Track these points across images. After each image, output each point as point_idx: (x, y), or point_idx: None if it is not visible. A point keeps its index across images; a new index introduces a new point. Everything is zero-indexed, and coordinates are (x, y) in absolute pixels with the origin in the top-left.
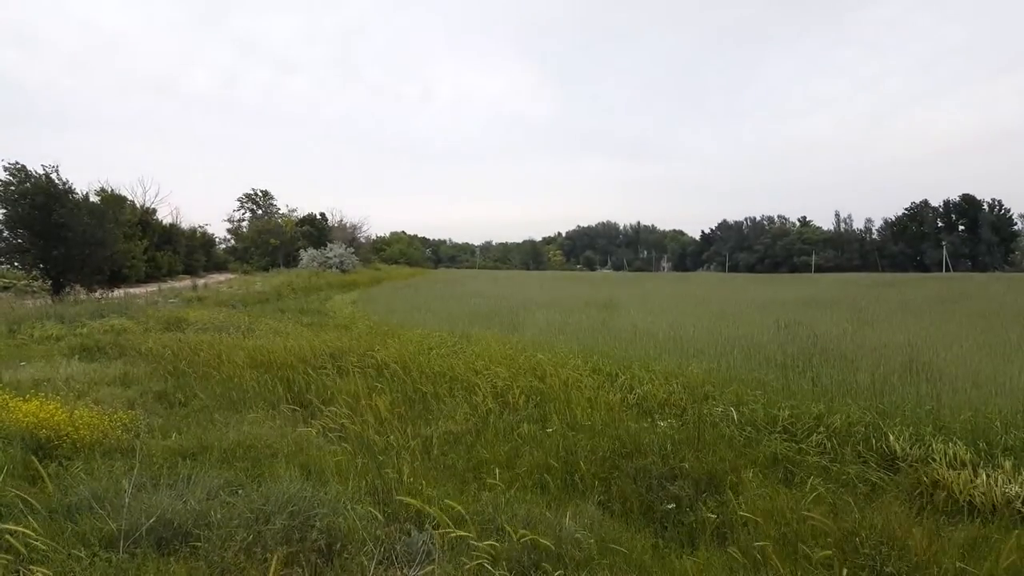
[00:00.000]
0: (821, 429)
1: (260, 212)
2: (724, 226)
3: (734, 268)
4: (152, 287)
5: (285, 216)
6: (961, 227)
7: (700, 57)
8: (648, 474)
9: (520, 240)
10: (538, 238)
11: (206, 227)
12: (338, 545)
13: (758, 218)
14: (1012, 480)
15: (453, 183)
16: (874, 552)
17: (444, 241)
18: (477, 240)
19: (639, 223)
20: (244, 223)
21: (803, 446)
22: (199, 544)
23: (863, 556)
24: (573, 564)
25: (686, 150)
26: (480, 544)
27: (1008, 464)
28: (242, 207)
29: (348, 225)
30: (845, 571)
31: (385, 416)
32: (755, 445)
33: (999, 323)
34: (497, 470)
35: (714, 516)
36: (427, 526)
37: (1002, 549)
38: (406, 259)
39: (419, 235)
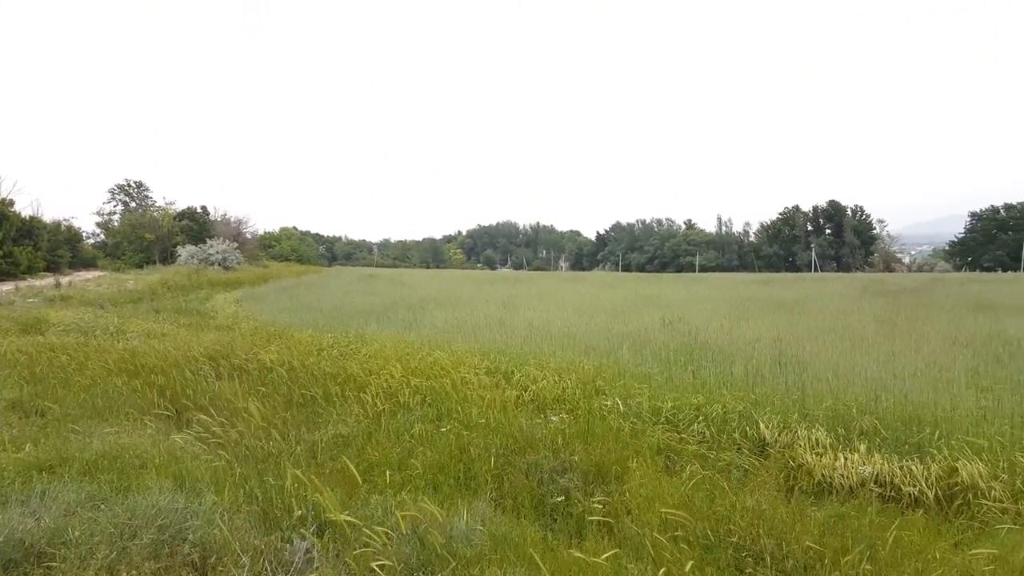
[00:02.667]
0: (700, 419)
1: (134, 205)
2: (617, 227)
3: (627, 267)
4: (8, 285)
5: (162, 209)
6: (828, 231)
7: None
8: (540, 469)
9: (420, 238)
10: (438, 236)
11: (72, 220)
12: (213, 558)
13: (648, 220)
14: (866, 462)
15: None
16: (745, 533)
17: (339, 238)
18: (375, 237)
19: (538, 223)
20: (115, 216)
21: (684, 435)
22: (54, 564)
23: (736, 537)
24: (463, 561)
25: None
26: (367, 546)
27: (863, 447)
28: (113, 199)
29: (232, 220)
30: (718, 551)
31: (268, 421)
32: (641, 436)
33: (857, 320)
34: (388, 472)
35: (600, 506)
36: (311, 533)
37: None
38: (297, 256)
39: (311, 231)
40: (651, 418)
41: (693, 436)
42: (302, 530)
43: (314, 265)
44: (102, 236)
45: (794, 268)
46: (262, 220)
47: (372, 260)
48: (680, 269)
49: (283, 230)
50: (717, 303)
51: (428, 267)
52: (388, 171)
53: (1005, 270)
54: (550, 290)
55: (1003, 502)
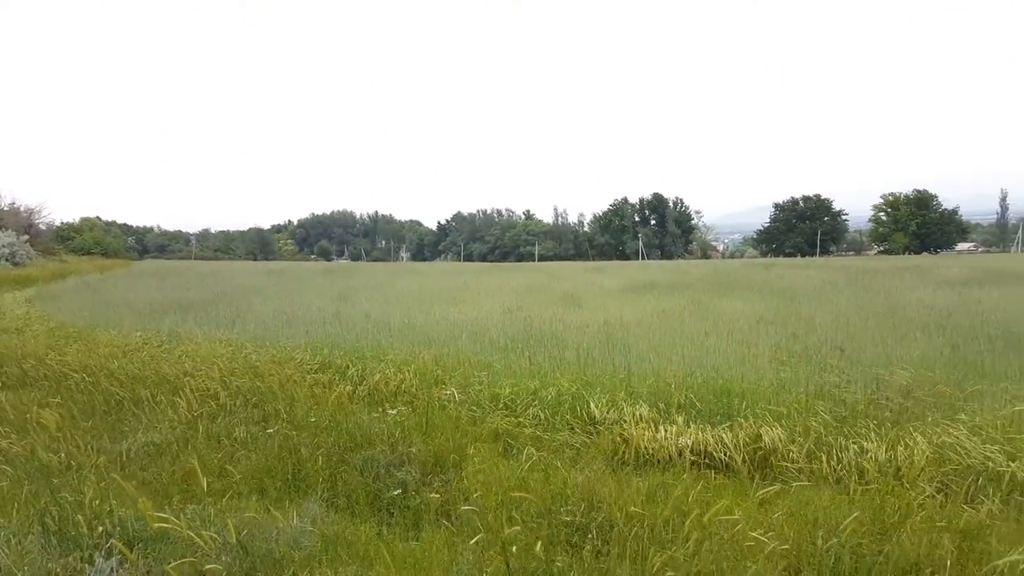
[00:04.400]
0: (536, 403)
1: None
2: (459, 217)
3: (469, 257)
4: None
5: None
6: (653, 221)
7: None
8: (376, 464)
9: (245, 228)
10: (266, 226)
11: None
12: None
13: (489, 210)
14: (683, 433)
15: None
16: (576, 508)
17: (151, 228)
18: (193, 227)
19: (377, 212)
20: None
21: (521, 419)
22: None
23: (567, 512)
24: (292, 565)
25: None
26: (183, 558)
27: (680, 420)
28: None
29: (23, 209)
30: (552, 528)
31: (64, 431)
32: (480, 423)
33: (677, 303)
34: (206, 479)
35: (437, 496)
36: (116, 549)
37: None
38: (102, 249)
39: (118, 221)
40: (490, 405)
41: (530, 420)
42: (109, 546)
43: (122, 259)
44: None
45: (623, 256)
46: (59, 209)
47: (190, 252)
48: (521, 258)
49: (84, 220)
50: (553, 290)
51: (255, 259)
52: (208, 154)
53: (803, 255)
54: (390, 281)
55: (799, 462)
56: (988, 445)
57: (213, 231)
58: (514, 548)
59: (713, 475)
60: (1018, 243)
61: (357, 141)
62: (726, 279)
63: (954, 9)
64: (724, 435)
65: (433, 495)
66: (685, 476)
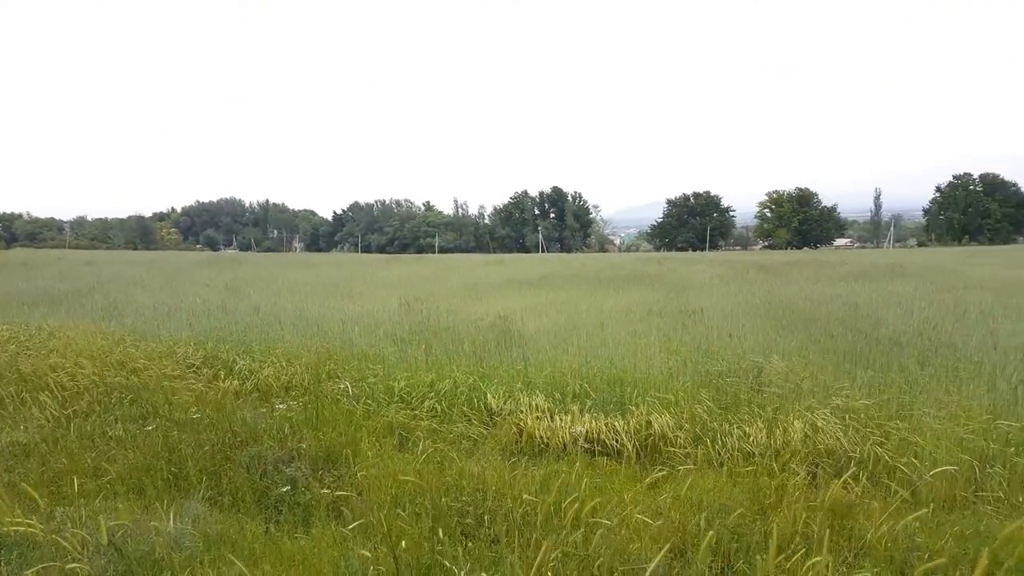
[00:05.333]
0: (432, 395)
1: None
2: (356, 207)
3: (367, 249)
4: None
5: None
6: (552, 215)
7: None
8: (263, 460)
9: (125, 216)
10: (148, 213)
11: None
12: None
13: (387, 201)
14: (577, 421)
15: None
16: (470, 498)
17: (20, 215)
18: (67, 214)
19: (268, 201)
20: None
21: (417, 412)
22: None
23: (462, 503)
24: (171, 566)
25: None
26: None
27: (576, 408)
28: None
29: None
30: (446, 519)
31: None
32: (374, 416)
33: (572, 295)
34: (79, 480)
35: (328, 491)
36: None
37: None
38: None
39: None
40: (385, 398)
41: (426, 412)
42: None
43: None
44: None
45: (524, 249)
46: None
47: (64, 241)
48: (421, 250)
49: None
50: (452, 283)
51: (136, 248)
52: (85, 135)
53: (694, 249)
54: (282, 273)
55: (686, 447)
56: (857, 430)
57: (90, 219)
58: (404, 542)
59: (605, 462)
60: (889, 239)
61: (247, 124)
62: (622, 272)
63: (835, 14)
64: (616, 423)
65: (324, 491)
66: (578, 464)
